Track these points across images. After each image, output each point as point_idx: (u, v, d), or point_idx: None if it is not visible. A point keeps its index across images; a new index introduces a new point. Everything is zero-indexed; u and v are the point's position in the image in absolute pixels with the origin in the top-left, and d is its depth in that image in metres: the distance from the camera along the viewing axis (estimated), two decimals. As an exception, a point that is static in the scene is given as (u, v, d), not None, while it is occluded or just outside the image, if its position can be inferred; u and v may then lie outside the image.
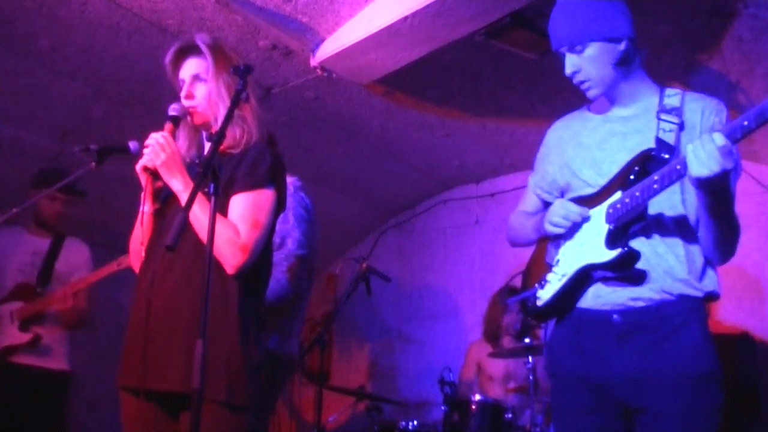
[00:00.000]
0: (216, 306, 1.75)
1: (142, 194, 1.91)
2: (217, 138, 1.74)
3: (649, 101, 1.91)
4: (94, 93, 3.61)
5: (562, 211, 1.86)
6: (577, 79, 1.90)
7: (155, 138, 1.86)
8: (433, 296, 5.35)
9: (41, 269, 3.39)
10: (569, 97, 3.99)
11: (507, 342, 4.25)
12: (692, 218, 1.82)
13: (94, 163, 2.45)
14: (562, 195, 2.03)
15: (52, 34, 3.15)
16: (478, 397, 3.61)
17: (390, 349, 5.48)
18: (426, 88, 3.79)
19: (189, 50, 2.02)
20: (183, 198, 1.83)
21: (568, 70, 1.90)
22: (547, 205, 2.10)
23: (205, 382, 1.56)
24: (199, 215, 1.79)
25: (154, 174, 1.87)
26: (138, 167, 1.87)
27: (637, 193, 1.73)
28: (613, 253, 1.77)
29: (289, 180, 2.76)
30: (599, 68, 1.86)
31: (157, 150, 1.85)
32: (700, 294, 1.78)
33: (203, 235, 1.77)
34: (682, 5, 2.91)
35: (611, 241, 1.79)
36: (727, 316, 4.03)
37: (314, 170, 4.59)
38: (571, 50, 1.88)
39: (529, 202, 2.17)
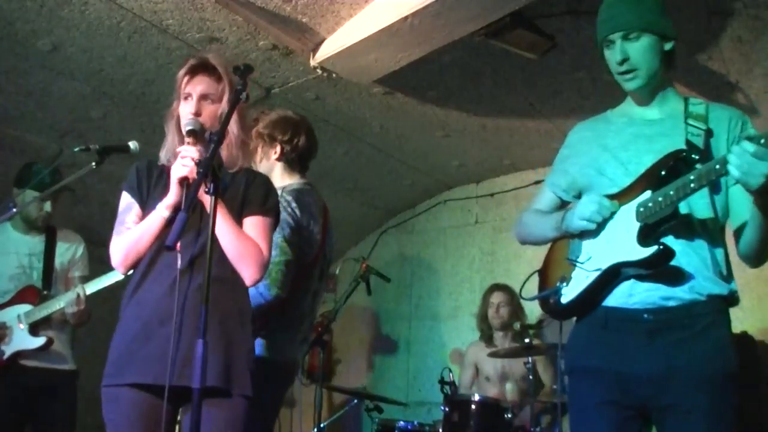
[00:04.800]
0: (236, 309, 1.95)
1: (170, 201, 1.93)
2: (218, 138, 1.78)
3: (674, 108, 1.94)
4: (94, 93, 3.61)
5: (593, 206, 1.86)
6: (623, 67, 1.90)
7: (189, 152, 1.91)
8: (433, 296, 5.35)
9: (44, 271, 3.38)
10: (569, 97, 4.01)
11: (500, 340, 4.26)
12: (721, 221, 1.85)
13: (94, 163, 2.45)
14: (579, 197, 2.05)
15: (53, 35, 3.15)
16: (477, 397, 3.61)
17: (390, 349, 5.48)
18: (426, 88, 3.79)
19: (204, 68, 2.06)
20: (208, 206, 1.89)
21: (617, 57, 1.90)
22: (562, 205, 2.12)
23: (235, 379, 1.84)
24: (225, 229, 1.92)
25: (188, 185, 1.91)
26: (174, 179, 1.91)
27: (671, 192, 1.74)
28: (648, 251, 1.77)
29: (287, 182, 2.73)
30: (648, 60, 1.89)
31: (194, 160, 1.90)
32: (725, 292, 1.81)
33: (227, 245, 1.93)
34: (682, 5, 2.91)
35: (644, 239, 1.79)
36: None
37: (314, 170, 4.59)
38: (625, 38, 1.89)
39: (545, 200, 2.16)
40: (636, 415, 1.82)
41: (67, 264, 3.48)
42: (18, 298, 3.30)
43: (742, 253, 1.85)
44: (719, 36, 3.08)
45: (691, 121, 1.86)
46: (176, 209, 1.89)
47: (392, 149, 4.57)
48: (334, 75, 3.46)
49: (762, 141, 1.57)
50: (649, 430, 1.88)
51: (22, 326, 3.25)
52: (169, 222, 1.91)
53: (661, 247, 1.75)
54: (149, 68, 3.43)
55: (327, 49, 3.26)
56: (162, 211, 1.93)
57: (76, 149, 2.50)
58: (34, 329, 3.26)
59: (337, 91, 3.76)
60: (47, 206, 3.35)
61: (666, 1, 2.00)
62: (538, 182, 4.52)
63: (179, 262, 1.84)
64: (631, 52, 1.88)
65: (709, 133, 1.85)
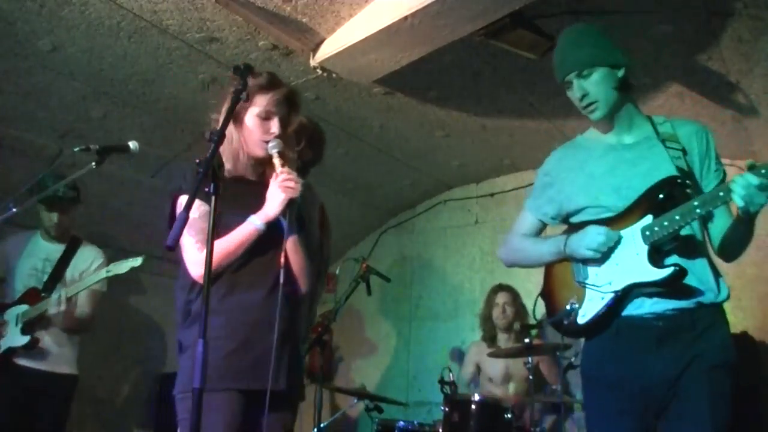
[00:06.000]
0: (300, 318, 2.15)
1: (269, 215, 2.04)
2: (218, 138, 1.79)
3: (644, 129, 2.11)
4: (94, 93, 3.61)
5: (601, 238, 1.99)
6: (584, 102, 2.07)
7: (292, 176, 2.04)
8: (433, 296, 5.35)
9: (51, 275, 3.47)
10: (569, 98, 3.99)
11: (504, 341, 4.26)
12: (701, 236, 2.02)
13: (94, 163, 2.46)
14: (565, 220, 2.19)
15: (53, 35, 3.15)
16: (477, 397, 3.61)
17: (390, 349, 5.48)
18: (426, 88, 3.79)
19: (294, 97, 2.17)
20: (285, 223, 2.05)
21: (576, 94, 2.08)
22: (543, 228, 2.28)
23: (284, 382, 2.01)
24: (298, 244, 2.09)
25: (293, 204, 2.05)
26: (284, 198, 2.02)
27: (677, 217, 1.89)
28: (664, 272, 1.92)
29: None
30: (604, 91, 2.05)
31: (298, 186, 2.04)
32: (719, 300, 1.99)
33: (299, 259, 2.09)
34: (682, 5, 2.91)
35: (655, 261, 1.94)
36: (727, 316, 4.02)
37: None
38: (579, 76, 2.06)
39: (528, 225, 2.30)
40: (652, 421, 1.94)
41: (78, 275, 3.53)
42: (22, 299, 3.41)
43: (721, 253, 2.07)
44: (719, 36, 3.08)
45: (669, 144, 2.03)
46: (270, 224, 2.02)
47: (392, 149, 4.57)
48: (334, 75, 3.46)
49: (763, 172, 1.73)
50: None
51: (17, 324, 3.34)
52: (261, 236, 2.01)
53: (677, 268, 1.91)
54: (149, 68, 3.43)
55: (327, 49, 3.26)
56: (259, 224, 2.01)
57: (76, 149, 2.50)
58: (27, 328, 3.34)
59: (337, 91, 3.76)
60: (54, 217, 3.50)
61: (666, 1, 2.04)
62: (538, 182, 4.53)
63: (281, 276, 1.97)
64: (587, 87, 2.05)
65: (684, 152, 2.02)
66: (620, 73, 2.07)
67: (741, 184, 1.76)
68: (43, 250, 3.55)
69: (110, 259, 3.69)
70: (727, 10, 2.91)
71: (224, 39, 3.23)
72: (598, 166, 2.11)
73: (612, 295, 2.00)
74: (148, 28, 3.14)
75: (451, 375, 3.86)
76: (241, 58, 3.31)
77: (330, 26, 3.19)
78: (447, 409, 3.62)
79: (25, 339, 3.32)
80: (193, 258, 2.01)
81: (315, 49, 3.32)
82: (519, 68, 3.51)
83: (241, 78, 1.89)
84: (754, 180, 1.74)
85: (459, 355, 4.92)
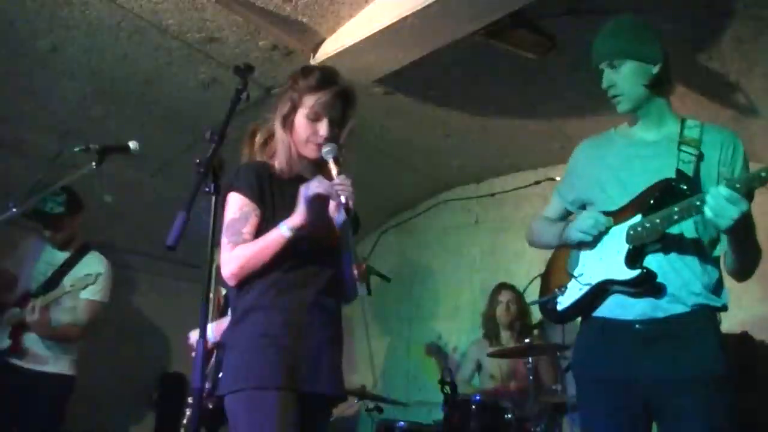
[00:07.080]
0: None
1: (296, 223, 1.97)
2: (219, 138, 1.79)
3: (671, 129, 2.08)
4: (94, 93, 3.62)
5: (590, 221, 2.04)
6: (611, 93, 2.08)
7: (347, 182, 1.96)
8: (433, 296, 5.35)
9: (45, 281, 3.48)
10: (569, 97, 4.00)
11: (506, 338, 4.26)
12: (705, 241, 1.99)
13: (94, 163, 2.46)
14: (583, 208, 2.21)
15: (53, 35, 3.16)
16: (477, 397, 3.61)
17: (390, 349, 5.48)
18: (426, 88, 3.79)
19: (345, 95, 2.11)
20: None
21: (604, 84, 2.08)
22: (567, 214, 2.30)
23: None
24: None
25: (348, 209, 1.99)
26: (343, 206, 1.95)
27: (658, 220, 1.91)
28: (633, 273, 1.95)
29: None
30: (631, 85, 2.05)
31: (352, 192, 1.97)
32: (716, 304, 1.97)
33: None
34: (682, 5, 2.91)
35: (631, 261, 1.97)
36: (727, 315, 4.02)
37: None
38: (610, 66, 2.07)
39: (553, 208, 2.35)
40: (643, 418, 1.95)
41: (76, 282, 3.48)
42: (17, 302, 3.45)
43: (728, 270, 2.02)
44: (719, 36, 3.08)
45: (684, 147, 2.01)
46: (299, 230, 1.94)
47: (392, 149, 4.57)
48: (334, 75, 3.46)
49: (737, 186, 1.71)
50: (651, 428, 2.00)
51: (5, 327, 3.41)
52: (290, 243, 1.95)
53: (644, 270, 1.94)
54: (149, 68, 3.43)
55: (327, 49, 3.27)
56: (285, 231, 1.94)
57: (76, 149, 2.51)
58: (15, 331, 3.39)
59: (337, 91, 3.75)
60: (47, 234, 3.55)
61: (666, 1, 2.04)
62: (538, 182, 4.53)
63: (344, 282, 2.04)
64: (615, 79, 2.06)
65: (700, 158, 1.99)
66: (655, 69, 2.05)
67: (711, 194, 1.74)
68: (50, 256, 3.58)
69: (111, 261, 3.70)
70: (727, 10, 2.91)
71: (224, 39, 3.23)
72: (615, 158, 2.12)
73: (587, 288, 2.05)
74: (148, 28, 3.14)
75: (451, 375, 3.85)
76: (241, 58, 3.31)
77: (330, 26, 3.19)
78: (447, 409, 3.62)
79: (6, 342, 3.38)
80: (224, 258, 1.98)
81: (315, 49, 3.32)
82: (519, 68, 3.51)
83: (241, 78, 1.90)
84: (724, 191, 1.72)
85: (436, 350, 4.91)
